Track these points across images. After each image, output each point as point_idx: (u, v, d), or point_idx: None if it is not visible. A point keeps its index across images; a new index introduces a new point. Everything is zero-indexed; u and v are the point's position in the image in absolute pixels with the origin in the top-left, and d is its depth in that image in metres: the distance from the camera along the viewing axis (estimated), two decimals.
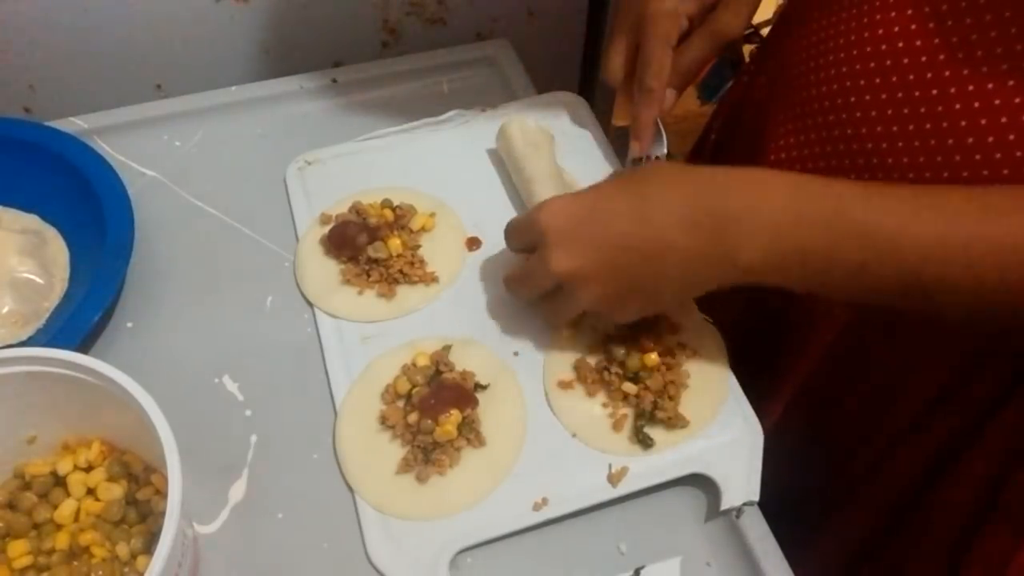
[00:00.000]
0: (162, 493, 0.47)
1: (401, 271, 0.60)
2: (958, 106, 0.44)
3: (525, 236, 0.54)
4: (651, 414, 0.52)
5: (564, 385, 0.55)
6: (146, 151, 0.69)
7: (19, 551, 0.45)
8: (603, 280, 0.49)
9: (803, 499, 0.65)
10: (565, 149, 0.67)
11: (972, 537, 0.53)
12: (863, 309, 0.55)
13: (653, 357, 0.54)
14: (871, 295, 0.45)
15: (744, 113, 0.66)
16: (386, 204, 0.63)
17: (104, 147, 0.68)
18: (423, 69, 0.76)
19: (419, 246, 0.62)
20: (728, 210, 0.45)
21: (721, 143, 0.71)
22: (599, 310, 0.52)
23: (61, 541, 0.46)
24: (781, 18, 0.65)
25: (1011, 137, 0.42)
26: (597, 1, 0.88)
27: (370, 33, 0.81)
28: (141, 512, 0.47)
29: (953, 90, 0.44)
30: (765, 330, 0.64)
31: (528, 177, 0.62)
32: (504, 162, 0.66)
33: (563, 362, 0.56)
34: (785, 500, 0.58)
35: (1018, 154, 0.42)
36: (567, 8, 0.88)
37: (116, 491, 0.47)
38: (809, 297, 0.58)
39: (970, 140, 0.44)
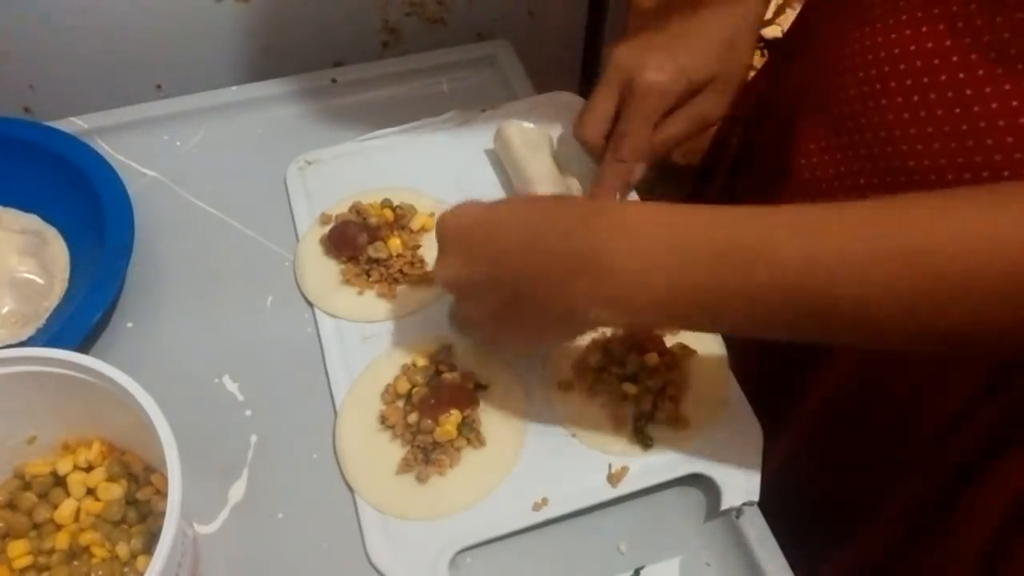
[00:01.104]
0: (162, 493, 0.47)
1: (401, 271, 0.60)
2: (995, 105, 0.44)
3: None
4: (651, 414, 0.52)
5: (564, 385, 0.55)
6: (146, 151, 0.69)
7: (19, 551, 0.45)
8: (486, 295, 0.46)
9: (824, 510, 0.65)
10: (565, 149, 0.67)
11: (999, 551, 0.53)
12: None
13: (653, 357, 0.54)
14: (771, 325, 0.40)
15: (767, 122, 0.65)
16: (386, 204, 0.63)
17: (104, 147, 0.68)
18: (423, 69, 0.76)
19: (419, 246, 0.62)
20: (608, 225, 0.42)
21: (743, 152, 0.70)
22: (479, 330, 0.50)
23: (61, 541, 0.46)
24: (799, 25, 0.64)
25: None
26: (597, 2, 0.88)
27: (370, 33, 0.81)
28: (141, 512, 0.47)
29: (988, 89, 0.44)
30: (788, 345, 0.63)
31: (528, 179, 0.62)
32: (502, 163, 0.66)
33: (563, 362, 0.56)
34: (805, 512, 0.57)
35: None
36: (567, 8, 0.88)
37: (116, 491, 0.47)
38: None
39: (1010, 139, 0.43)
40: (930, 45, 0.46)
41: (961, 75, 0.45)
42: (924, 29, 0.47)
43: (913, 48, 0.47)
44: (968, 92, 0.45)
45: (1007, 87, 0.43)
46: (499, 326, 0.48)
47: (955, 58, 0.45)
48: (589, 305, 0.42)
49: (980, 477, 0.53)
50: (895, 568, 0.62)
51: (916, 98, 0.47)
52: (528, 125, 0.65)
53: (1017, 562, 0.52)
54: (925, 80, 0.47)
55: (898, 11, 0.48)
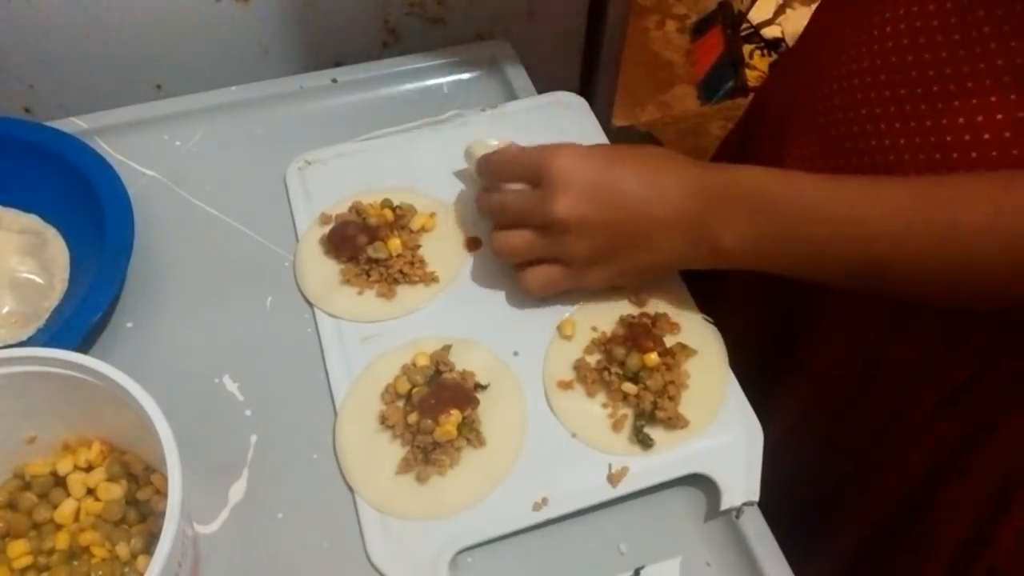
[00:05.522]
0: (162, 493, 0.47)
1: (401, 271, 0.60)
2: (957, 103, 0.45)
3: (523, 170, 0.55)
4: (651, 414, 0.53)
5: (564, 385, 0.55)
6: (146, 151, 0.69)
7: (19, 551, 0.45)
8: (598, 235, 0.52)
9: (813, 499, 0.65)
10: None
11: (983, 537, 0.53)
12: (876, 309, 0.55)
13: (653, 357, 0.54)
14: (831, 276, 0.49)
15: (762, 128, 0.66)
16: (386, 204, 0.63)
17: (104, 147, 0.68)
18: (423, 69, 0.76)
19: (419, 246, 0.62)
20: (714, 194, 0.49)
21: (742, 155, 0.71)
22: (578, 267, 0.54)
23: (61, 541, 0.46)
24: (803, 36, 0.65)
25: (1007, 135, 0.44)
26: (597, 2, 0.88)
27: (370, 33, 0.81)
28: (141, 512, 0.47)
29: (952, 87, 0.45)
30: (779, 332, 0.64)
31: None
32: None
33: (563, 362, 0.56)
34: (795, 501, 0.58)
35: (1014, 152, 0.44)
36: (567, 8, 0.88)
37: (116, 491, 0.47)
38: (823, 298, 0.58)
39: (967, 137, 0.45)
40: (906, 41, 0.48)
41: (931, 72, 0.47)
42: (902, 26, 0.48)
43: (890, 44, 0.49)
44: (935, 89, 0.46)
45: (969, 85, 0.45)
46: (592, 263, 0.54)
47: (926, 55, 0.47)
48: (685, 263, 0.52)
49: (963, 465, 0.54)
50: (884, 557, 0.62)
51: (887, 93, 0.49)
52: (493, 143, 0.62)
53: (997, 548, 0.53)
54: (897, 75, 0.48)
55: (884, 7, 0.50)
